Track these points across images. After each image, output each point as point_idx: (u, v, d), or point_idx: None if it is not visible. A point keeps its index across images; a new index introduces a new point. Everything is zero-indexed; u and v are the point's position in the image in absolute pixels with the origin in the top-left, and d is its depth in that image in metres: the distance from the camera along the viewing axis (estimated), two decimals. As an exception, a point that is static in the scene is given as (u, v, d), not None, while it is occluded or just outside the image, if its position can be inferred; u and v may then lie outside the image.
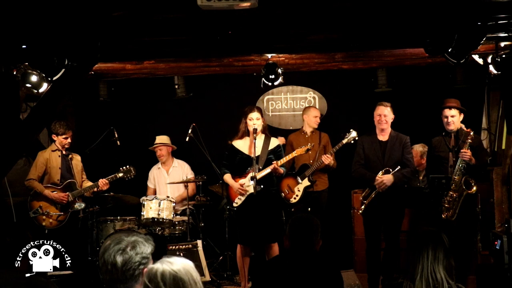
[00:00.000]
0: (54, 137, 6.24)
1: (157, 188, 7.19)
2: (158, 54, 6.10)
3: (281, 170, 5.70)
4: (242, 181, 5.66)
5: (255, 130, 5.63)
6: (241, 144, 5.76)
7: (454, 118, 5.51)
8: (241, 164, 5.71)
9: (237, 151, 5.75)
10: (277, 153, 5.77)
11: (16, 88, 5.47)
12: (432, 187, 5.44)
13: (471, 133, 5.38)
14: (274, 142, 5.81)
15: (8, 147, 5.59)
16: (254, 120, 5.66)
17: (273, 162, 5.62)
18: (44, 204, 6.08)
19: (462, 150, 5.34)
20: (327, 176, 6.78)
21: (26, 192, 6.34)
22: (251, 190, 5.54)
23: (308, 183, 6.54)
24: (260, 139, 5.75)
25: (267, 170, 5.61)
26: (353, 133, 6.20)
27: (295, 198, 6.55)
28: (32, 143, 6.27)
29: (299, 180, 6.56)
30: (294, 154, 5.98)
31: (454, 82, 6.93)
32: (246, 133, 5.73)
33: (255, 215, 5.58)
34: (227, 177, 5.77)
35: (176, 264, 2.05)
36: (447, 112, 5.52)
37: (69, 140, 6.25)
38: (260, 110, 5.85)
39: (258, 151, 5.68)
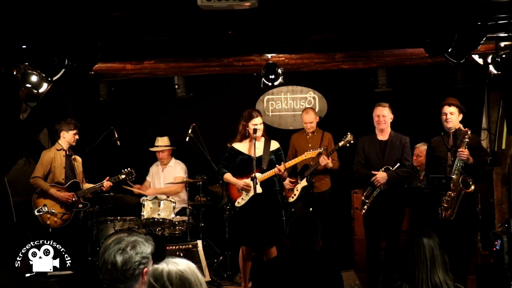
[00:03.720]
0: (64, 135, 6.23)
1: (152, 184, 7.27)
2: (158, 54, 6.10)
3: (285, 174, 5.76)
4: (246, 181, 5.64)
5: (255, 131, 5.63)
6: (242, 146, 5.76)
7: (453, 116, 5.51)
8: (243, 164, 5.69)
9: (238, 152, 5.75)
10: (278, 155, 5.78)
11: (16, 88, 5.47)
12: (432, 187, 5.44)
13: (469, 132, 5.39)
14: (275, 144, 5.82)
15: (8, 147, 5.59)
16: (258, 125, 5.67)
17: (282, 163, 5.64)
18: (49, 202, 6.09)
19: (459, 150, 5.35)
20: (329, 177, 6.75)
21: (26, 192, 6.34)
22: (252, 191, 5.55)
23: (306, 183, 6.53)
24: (261, 141, 5.75)
25: (272, 172, 5.62)
26: (349, 137, 6.21)
27: (292, 197, 6.56)
28: (32, 143, 6.28)
29: (298, 180, 6.56)
30: (303, 157, 6.01)
31: (454, 82, 6.91)
32: (246, 136, 5.72)
33: (257, 216, 5.58)
34: (228, 176, 5.74)
35: (182, 265, 2.06)
36: (446, 108, 5.53)
37: (77, 136, 6.29)
38: (260, 114, 5.83)
39: (260, 152, 5.69)
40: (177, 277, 2.02)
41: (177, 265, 2.05)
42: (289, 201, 6.57)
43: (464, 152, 5.31)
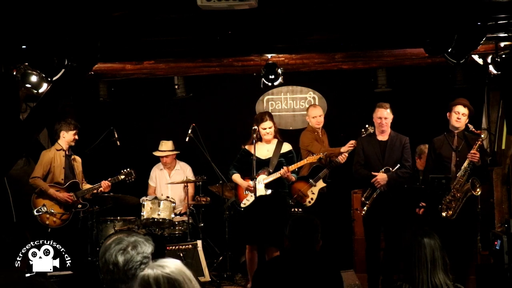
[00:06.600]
0: (64, 135, 6.23)
1: (158, 188, 7.20)
2: (158, 54, 6.10)
3: (292, 177, 5.77)
4: (251, 182, 5.68)
5: (254, 131, 5.68)
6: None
7: (464, 117, 5.55)
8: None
9: (249, 154, 5.80)
10: (288, 157, 5.80)
11: (16, 88, 5.47)
12: (432, 187, 5.45)
13: (482, 136, 5.44)
14: (287, 146, 5.86)
15: (8, 147, 5.59)
16: (267, 129, 5.73)
17: (283, 167, 5.65)
18: (48, 202, 6.08)
19: (472, 151, 5.36)
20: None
21: (26, 192, 6.33)
22: (259, 192, 5.57)
23: (324, 185, 6.37)
24: (273, 143, 5.82)
25: (277, 175, 5.66)
26: (370, 129, 5.95)
27: (310, 202, 6.31)
28: (32, 143, 6.27)
29: (313, 183, 6.34)
30: (305, 161, 6.00)
31: (454, 82, 6.92)
32: (258, 139, 5.77)
33: (261, 217, 5.59)
34: (236, 177, 5.84)
35: (168, 267, 2.01)
36: (461, 108, 5.53)
37: (77, 136, 6.29)
38: (271, 117, 5.86)
39: (270, 154, 5.77)
40: (165, 281, 1.98)
41: (163, 268, 2.00)
42: (307, 206, 6.29)
43: (476, 155, 5.34)
